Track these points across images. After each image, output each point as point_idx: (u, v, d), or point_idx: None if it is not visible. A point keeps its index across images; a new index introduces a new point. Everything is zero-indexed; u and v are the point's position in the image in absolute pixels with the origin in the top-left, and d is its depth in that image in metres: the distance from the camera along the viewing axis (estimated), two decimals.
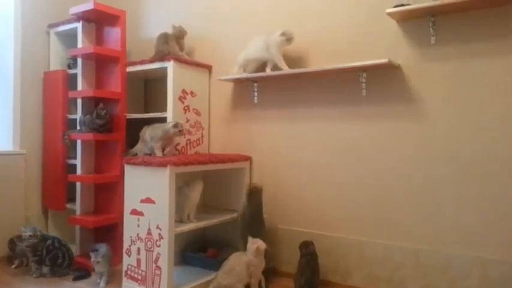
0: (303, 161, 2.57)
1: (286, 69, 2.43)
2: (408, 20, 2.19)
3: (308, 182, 2.55)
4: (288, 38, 2.43)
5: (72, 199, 3.00)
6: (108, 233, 2.85)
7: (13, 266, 2.72)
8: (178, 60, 2.75)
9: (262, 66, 2.58)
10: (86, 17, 2.94)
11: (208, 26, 3.02)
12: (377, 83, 2.30)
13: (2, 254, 2.91)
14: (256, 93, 2.73)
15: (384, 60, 2.08)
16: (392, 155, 2.26)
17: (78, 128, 2.91)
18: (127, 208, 2.37)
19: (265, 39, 2.50)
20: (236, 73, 2.66)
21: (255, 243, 2.17)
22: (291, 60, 2.55)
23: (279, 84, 2.68)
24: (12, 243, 2.77)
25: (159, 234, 2.18)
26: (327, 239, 2.45)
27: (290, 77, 2.56)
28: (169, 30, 2.92)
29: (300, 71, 2.39)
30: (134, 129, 2.89)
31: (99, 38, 3.02)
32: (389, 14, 2.12)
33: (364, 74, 2.29)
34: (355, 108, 2.37)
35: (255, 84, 2.73)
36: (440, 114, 2.12)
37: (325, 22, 2.48)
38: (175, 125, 2.42)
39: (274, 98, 2.70)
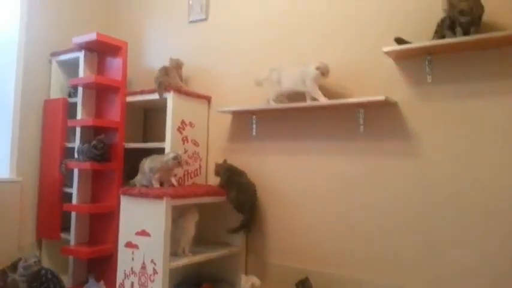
0: (299, 195, 2.56)
1: (323, 101, 2.34)
2: (405, 58, 2.23)
3: (304, 216, 2.53)
4: (323, 72, 2.36)
5: (67, 228, 2.96)
6: (103, 264, 2.80)
7: None
8: (178, 91, 2.78)
9: (293, 97, 2.53)
10: (89, 47, 2.99)
11: (208, 58, 3.07)
12: (374, 119, 2.32)
13: None
14: (254, 126, 2.75)
15: (381, 98, 2.10)
16: (390, 191, 2.25)
17: (75, 156, 2.91)
18: (122, 240, 2.34)
19: (300, 72, 2.42)
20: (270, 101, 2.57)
21: (250, 281, 2.13)
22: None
23: (277, 118, 2.70)
24: (3, 273, 2.71)
25: (154, 269, 2.15)
26: (323, 277, 2.41)
27: (288, 110, 2.58)
28: (170, 62, 2.97)
29: (298, 106, 2.41)
30: (132, 158, 2.89)
31: (100, 68, 3.06)
32: (387, 53, 2.16)
33: (362, 110, 2.31)
34: (353, 143, 2.38)
35: (254, 117, 2.74)
36: (438, 152, 2.13)
37: (323, 59, 2.51)
38: (175, 157, 2.41)
39: (272, 130, 2.71)
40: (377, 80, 2.32)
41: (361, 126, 2.32)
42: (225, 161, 2.70)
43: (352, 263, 2.34)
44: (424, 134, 2.17)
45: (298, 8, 2.66)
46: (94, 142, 2.73)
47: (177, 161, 2.41)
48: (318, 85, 2.36)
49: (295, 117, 2.62)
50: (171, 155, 2.42)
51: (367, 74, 2.36)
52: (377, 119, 2.31)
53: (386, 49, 2.13)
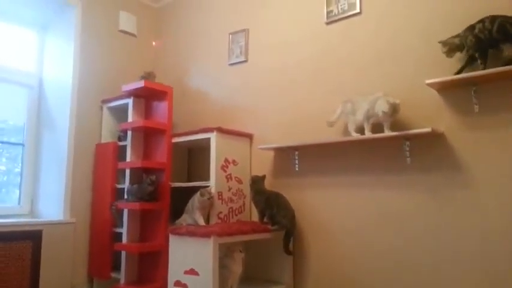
0: (344, 229, 2.51)
1: (367, 134, 2.32)
2: (449, 89, 2.21)
3: (350, 252, 2.46)
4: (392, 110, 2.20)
5: (117, 267, 3.03)
6: None
7: None
8: (221, 130, 2.87)
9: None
10: (137, 94, 3.18)
11: (249, 97, 3.17)
12: (421, 151, 2.28)
13: None
14: (297, 161, 2.76)
15: (427, 130, 2.08)
16: (440, 224, 2.16)
17: (125, 197, 3.02)
18: (171, 279, 2.37)
19: (369, 106, 2.31)
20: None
21: None
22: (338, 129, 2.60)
23: (320, 152, 2.70)
24: None
25: None
26: None
27: (331, 145, 2.59)
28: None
29: (342, 139, 2.42)
30: (177, 198, 2.96)
31: (148, 112, 3.23)
32: (429, 85, 2.15)
33: (408, 143, 2.28)
34: (400, 176, 2.34)
35: (296, 152, 2.77)
36: (491, 183, 2.04)
37: (364, 92, 2.53)
38: (202, 193, 2.51)
39: (315, 165, 2.71)
40: (422, 111, 2.29)
41: (408, 159, 2.28)
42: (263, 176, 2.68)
43: None
44: (475, 164, 2.10)
45: (335, 44, 2.73)
46: (149, 178, 2.83)
47: (205, 197, 2.49)
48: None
49: (339, 151, 2.62)
50: (199, 191, 2.50)
51: (411, 106, 2.34)
52: (424, 150, 2.27)
53: (429, 81, 2.13)
